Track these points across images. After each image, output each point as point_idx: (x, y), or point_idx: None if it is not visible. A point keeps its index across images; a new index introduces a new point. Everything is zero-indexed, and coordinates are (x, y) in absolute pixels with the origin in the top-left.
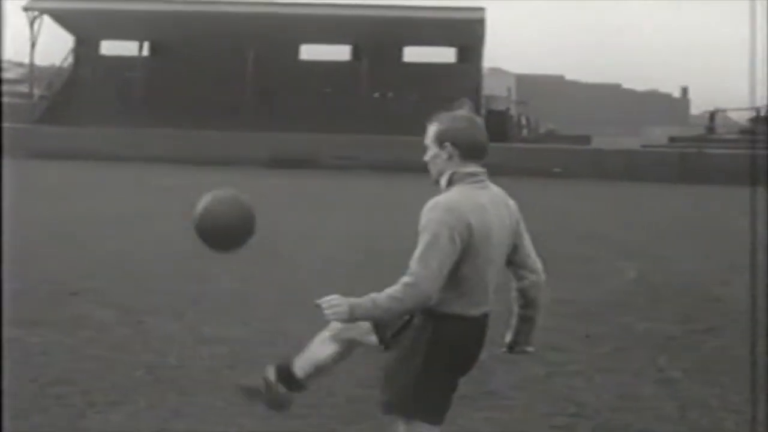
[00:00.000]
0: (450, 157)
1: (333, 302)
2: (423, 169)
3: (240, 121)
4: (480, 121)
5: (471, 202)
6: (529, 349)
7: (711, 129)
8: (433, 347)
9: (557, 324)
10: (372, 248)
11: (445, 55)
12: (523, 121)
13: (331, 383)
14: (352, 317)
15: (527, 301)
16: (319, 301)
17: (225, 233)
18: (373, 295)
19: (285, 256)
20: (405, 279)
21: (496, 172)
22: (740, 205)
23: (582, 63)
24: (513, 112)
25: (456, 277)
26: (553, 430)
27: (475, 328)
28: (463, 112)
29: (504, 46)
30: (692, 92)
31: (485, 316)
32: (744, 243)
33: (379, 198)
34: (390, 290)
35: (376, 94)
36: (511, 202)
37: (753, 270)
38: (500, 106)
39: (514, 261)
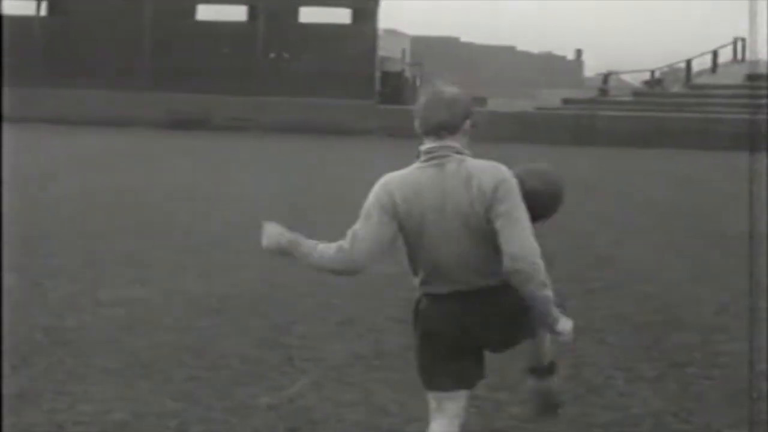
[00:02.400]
0: (418, 135)
1: (271, 229)
2: (319, 131)
3: (137, 81)
4: (444, 96)
5: (406, 179)
6: (558, 334)
7: (604, 91)
8: (418, 324)
9: None
10: (267, 211)
11: (341, 15)
12: (418, 83)
13: (225, 345)
14: (285, 247)
15: (517, 288)
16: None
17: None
18: (319, 245)
19: (181, 218)
20: (341, 243)
21: (392, 134)
22: (632, 166)
23: (477, 25)
24: (408, 73)
25: (410, 256)
26: None
27: (445, 306)
28: (436, 87)
29: (399, 7)
30: (586, 54)
31: (462, 294)
32: (636, 204)
33: (275, 160)
34: (330, 247)
35: (273, 55)
36: (487, 181)
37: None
38: (395, 68)
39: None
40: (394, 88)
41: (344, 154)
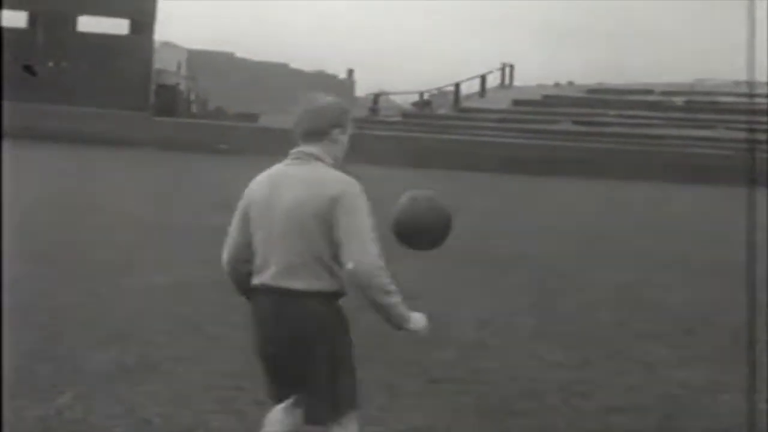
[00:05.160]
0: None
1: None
2: (94, 141)
3: None
4: (315, 104)
5: (267, 175)
6: (410, 327)
7: (374, 111)
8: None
9: (220, 298)
10: (43, 220)
11: (119, 26)
12: (192, 97)
13: None
14: None
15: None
16: None
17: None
18: None
19: None
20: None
21: (165, 146)
22: (397, 187)
23: (252, 41)
24: (183, 87)
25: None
26: (215, 403)
27: (258, 297)
28: (312, 96)
29: (177, 20)
30: (357, 74)
31: (272, 291)
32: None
33: (54, 170)
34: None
35: (51, 63)
36: (332, 188)
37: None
38: (170, 81)
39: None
40: (169, 100)
41: (110, 165)
